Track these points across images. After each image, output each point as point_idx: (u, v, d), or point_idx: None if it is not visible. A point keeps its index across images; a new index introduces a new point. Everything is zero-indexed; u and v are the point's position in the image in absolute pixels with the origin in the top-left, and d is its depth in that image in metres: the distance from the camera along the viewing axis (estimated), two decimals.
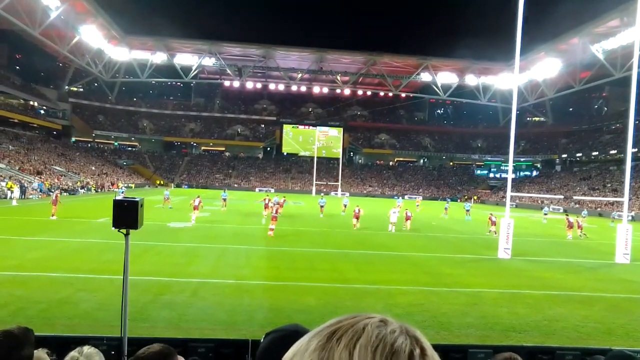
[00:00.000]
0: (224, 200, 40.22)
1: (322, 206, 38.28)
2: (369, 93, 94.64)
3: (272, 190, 79.07)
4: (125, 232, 6.18)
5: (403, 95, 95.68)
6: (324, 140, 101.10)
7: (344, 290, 13.31)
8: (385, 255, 20.04)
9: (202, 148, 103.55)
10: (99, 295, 11.27)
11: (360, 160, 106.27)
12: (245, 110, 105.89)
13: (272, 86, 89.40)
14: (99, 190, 61.40)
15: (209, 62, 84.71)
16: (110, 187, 65.39)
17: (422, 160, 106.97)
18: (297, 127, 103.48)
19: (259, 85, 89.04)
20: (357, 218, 29.78)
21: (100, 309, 10.15)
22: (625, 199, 22.69)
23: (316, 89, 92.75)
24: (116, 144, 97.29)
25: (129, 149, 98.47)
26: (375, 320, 0.69)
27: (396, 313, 11.17)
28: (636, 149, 64.12)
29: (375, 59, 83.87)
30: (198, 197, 30.82)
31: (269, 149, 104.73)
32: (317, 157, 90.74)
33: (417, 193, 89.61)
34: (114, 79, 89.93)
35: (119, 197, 6.13)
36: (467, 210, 43.94)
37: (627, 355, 2.50)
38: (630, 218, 36.84)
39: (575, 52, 67.51)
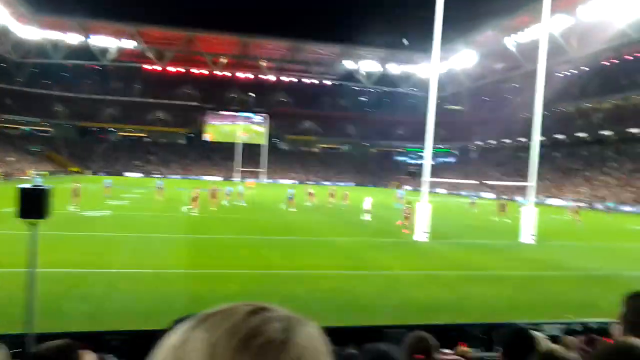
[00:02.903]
0: (160, 189, 38.17)
1: (290, 198, 36.02)
2: (293, 80, 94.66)
3: (222, 179, 77.44)
4: (32, 222, 5.87)
5: (327, 82, 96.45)
6: (248, 126, 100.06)
7: (269, 276, 13.37)
8: (310, 240, 20.28)
9: (121, 134, 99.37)
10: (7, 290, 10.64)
11: (285, 147, 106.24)
12: (167, 95, 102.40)
13: (195, 71, 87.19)
14: (8, 178, 57.51)
15: (129, 44, 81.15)
16: (20, 174, 61.38)
17: (345, 147, 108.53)
18: (221, 113, 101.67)
19: (181, 70, 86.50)
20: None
21: (10, 304, 9.59)
22: (532, 183, 24.24)
23: (241, 75, 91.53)
24: (27, 129, 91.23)
25: (41, 134, 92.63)
26: (250, 308, 0.68)
27: (319, 297, 11.38)
28: (543, 137, 68.30)
29: (299, 46, 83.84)
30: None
31: (191, 135, 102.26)
32: (241, 144, 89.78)
33: (341, 179, 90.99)
34: (24, 59, 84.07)
35: (25, 185, 5.81)
36: (400, 198, 44.62)
37: (522, 329, 2.70)
38: (537, 201, 39.47)
39: (490, 45, 70.83)
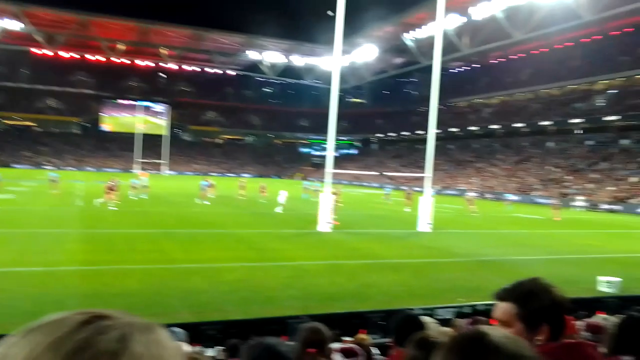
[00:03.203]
0: (53, 181, 35.34)
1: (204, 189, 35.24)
2: (196, 69, 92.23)
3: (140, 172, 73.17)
4: None
5: (231, 72, 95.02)
6: (148, 116, 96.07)
7: (169, 270, 12.98)
8: (212, 233, 19.94)
9: (7, 122, 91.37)
10: None
11: (187, 138, 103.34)
12: (59, 82, 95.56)
13: (90, 57, 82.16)
14: None
15: (14, 25, 74.61)
16: None
17: (249, 138, 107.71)
18: (119, 102, 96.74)
19: (75, 56, 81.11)
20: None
21: None
22: (429, 174, 25.46)
23: (140, 63, 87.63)
24: None
25: None
26: (84, 317, 0.61)
27: (222, 290, 11.26)
28: (438, 130, 72.01)
29: (202, 34, 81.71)
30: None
31: (87, 125, 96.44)
32: (141, 135, 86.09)
33: (245, 171, 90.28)
34: None
35: None
36: (305, 188, 45.00)
37: (410, 315, 2.82)
38: (434, 192, 41.62)
39: (390, 40, 73.31)
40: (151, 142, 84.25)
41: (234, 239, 18.73)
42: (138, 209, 27.66)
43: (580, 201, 45.25)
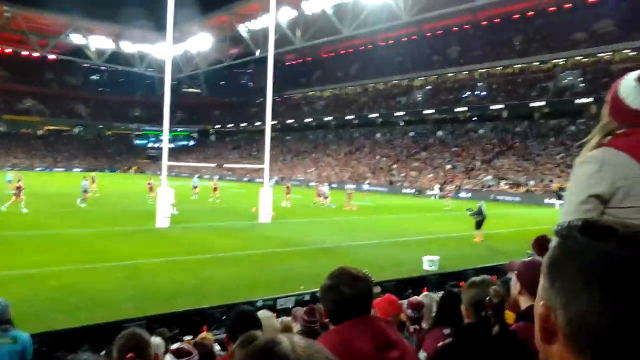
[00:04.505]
0: None
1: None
2: (7, 50, 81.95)
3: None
4: None
5: (52, 57, 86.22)
6: None
7: None
8: (31, 235, 17.96)
9: None
10: None
11: (1, 129, 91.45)
12: None
13: None
14: None
15: None
16: None
17: (76, 129, 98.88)
18: None
19: None
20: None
21: None
22: (266, 165, 25.81)
23: None
24: None
25: None
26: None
27: (47, 297, 10.27)
28: (275, 122, 73.53)
29: (14, 11, 72.52)
30: None
31: None
32: None
33: (73, 165, 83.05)
34: None
35: None
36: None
37: (242, 311, 2.80)
38: (274, 182, 42.37)
39: (225, 30, 72.49)
40: None
41: (59, 240, 17.12)
42: None
43: (408, 188, 49.66)
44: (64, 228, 20.01)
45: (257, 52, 67.92)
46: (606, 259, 0.64)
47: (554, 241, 0.72)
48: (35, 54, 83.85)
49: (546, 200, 38.00)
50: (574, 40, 55.46)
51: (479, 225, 19.32)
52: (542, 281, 0.71)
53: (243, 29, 70.47)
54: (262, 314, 3.69)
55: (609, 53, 52.18)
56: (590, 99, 48.45)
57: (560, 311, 0.65)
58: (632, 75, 1.67)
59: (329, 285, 1.94)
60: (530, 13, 63.14)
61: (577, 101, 50.53)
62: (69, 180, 39.09)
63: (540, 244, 2.20)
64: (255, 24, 67.35)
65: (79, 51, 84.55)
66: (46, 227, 19.99)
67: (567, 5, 58.88)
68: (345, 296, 1.86)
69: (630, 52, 50.04)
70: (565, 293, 0.65)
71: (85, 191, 28.96)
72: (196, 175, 42.17)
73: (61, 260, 13.95)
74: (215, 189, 34.54)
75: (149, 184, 32.21)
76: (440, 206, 34.91)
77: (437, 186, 45.29)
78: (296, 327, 4.44)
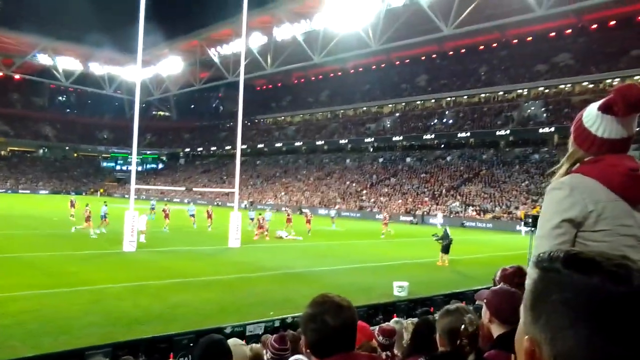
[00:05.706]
0: None
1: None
2: None
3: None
4: None
5: (17, 77, 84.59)
6: None
7: None
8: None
9: None
10: None
11: None
12: None
13: None
14: None
15: None
16: None
17: (42, 151, 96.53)
18: None
19: None
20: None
21: None
22: (236, 189, 25.70)
23: None
24: None
25: None
26: None
27: (4, 324, 9.87)
28: (245, 146, 73.58)
29: None
30: None
31: None
32: None
33: (37, 187, 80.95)
34: None
35: None
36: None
37: (215, 340, 2.76)
38: (244, 206, 42.10)
39: (196, 54, 72.59)
40: None
41: (20, 264, 16.63)
42: None
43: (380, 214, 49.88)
44: (26, 252, 19.44)
45: (229, 77, 68.07)
46: (592, 295, 0.63)
47: (533, 272, 0.70)
48: None
49: (517, 227, 38.50)
50: (536, 71, 57.50)
51: (446, 249, 19.58)
52: (525, 315, 0.69)
53: (214, 53, 70.69)
54: (232, 342, 3.68)
55: (569, 85, 54.23)
56: (552, 129, 50.08)
57: (546, 346, 0.64)
58: (594, 105, 1.74)
59: (311, 314, 1.77)
60: (494, 44, 65.34)
61: (541, 130, 52.05)
62: (32, 202, 38.06)
63: (514, 276, 2.25)
64: (227, 49, 67.75)
65: (47, 72, 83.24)
66: (7, 251, 19.38)
67: (528, 39, 61.19)
68: (328, 326, 1.72)
69: (589, 84, 52.11)
70: (551, 328, 0.65)
71: (104, 216, 26.56)
72: (192, 203, 41.75)
73: (23, 284, 13.53)
74: (209, 217, 32.28)
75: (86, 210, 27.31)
76: (409, 232, 35.18)
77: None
78: (266, 355, 4.42)
